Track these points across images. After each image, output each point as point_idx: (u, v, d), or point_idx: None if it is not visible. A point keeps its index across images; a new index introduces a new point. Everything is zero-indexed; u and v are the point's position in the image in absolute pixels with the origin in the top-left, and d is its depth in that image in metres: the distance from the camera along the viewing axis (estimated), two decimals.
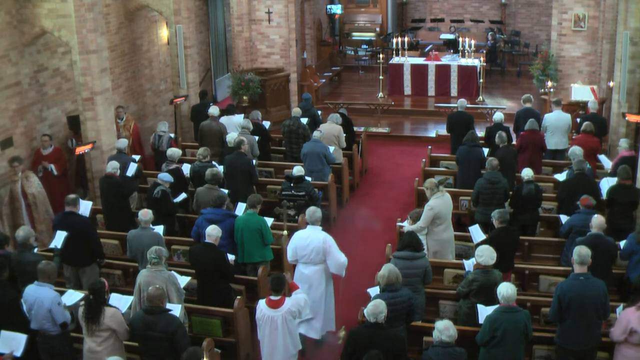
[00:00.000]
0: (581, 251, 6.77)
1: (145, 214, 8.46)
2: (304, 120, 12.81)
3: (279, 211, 8.94)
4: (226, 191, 9.87)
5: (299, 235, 8.07)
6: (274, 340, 6.94)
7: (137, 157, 11.64)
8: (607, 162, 11.19)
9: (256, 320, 7.03)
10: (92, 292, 6.73)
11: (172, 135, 12.81)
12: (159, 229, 8.84)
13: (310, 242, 7.91)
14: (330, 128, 12.16)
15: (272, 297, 6.90)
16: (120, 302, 7.30)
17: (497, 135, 10.99)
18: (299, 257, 8.01)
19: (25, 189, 10.23)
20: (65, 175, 11.25)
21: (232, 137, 11.47)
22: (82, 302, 6.86)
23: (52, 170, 10.87)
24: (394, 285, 6.78)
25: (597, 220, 7.92)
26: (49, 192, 10.59)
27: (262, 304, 6.96)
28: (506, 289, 6.47)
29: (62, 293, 7.41)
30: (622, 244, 8.32)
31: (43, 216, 10.21)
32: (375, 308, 6.20)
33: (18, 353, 6.69)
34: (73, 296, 7.53)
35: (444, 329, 6.00)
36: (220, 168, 10.57)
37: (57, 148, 11.21)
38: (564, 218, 9.13)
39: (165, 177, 9.80)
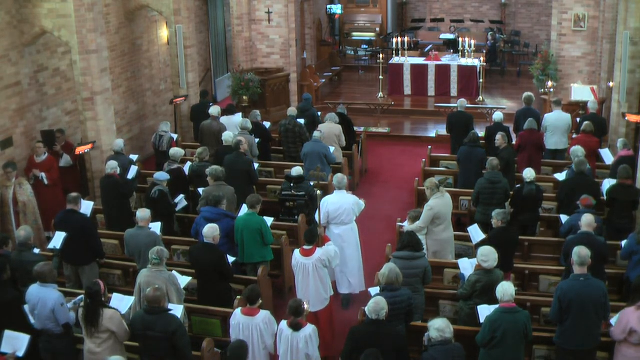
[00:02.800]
0: (581, 252, 6.76)
1: (143, 213, 8.46)
2: (302, 121, 12.81)
3: (314, 174, 9.27)
4: (232, 188, 9.83)
5: (329, 200, 9.04)
6: (306, 284, 7.87)
7: (134, 157, 11.64)
8: (608, 157, 11.15)
9: (292, 267, 8.01)
10: (88, 296, 6.72)
11: (175, 136, 12.80)
12: (156, 227, 8.83)
13: (341, 205, 9.00)
14: (330, 128, 12.16)
15: (305, 247, 7.84)
16: (121, 302, 7.29)
17: (499, 136, 10.98)
18: (331, 219, 9.01)
19: (17, 196, 10.08)
20: (57, 185, 10.90)
21: (227, 136, 11.45)
22: (82, 304, 6.85)
23: (42, 179, 10.58)
24: (394, 284, 6.79)
25: (587, 219, 7.91)
26: (40, 201, 10.42)
27: (296, 252, 7.92)
28: (505, 289, 6.48)
29: (65, 293, 7.40)
30: (622, 243, 8.32)
31: (31, 225, 9.84)
32: (376, 305, 6.21)
33: (20, 353, 6.69)
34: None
35: (445, 327, 6.01)
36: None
37: (51, 157, 10.89)
38: (564, 218, 9.13)
39: (161, 176, 9.79)
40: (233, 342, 6.42)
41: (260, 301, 6.95)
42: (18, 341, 6.72)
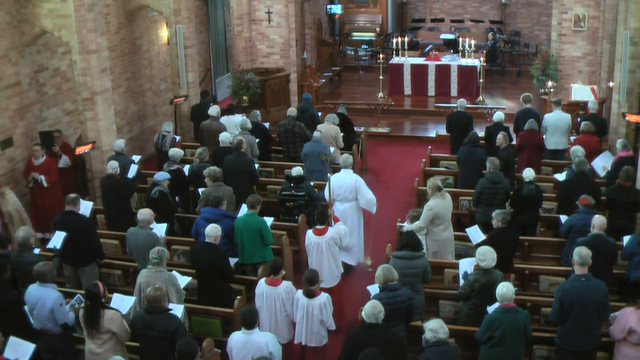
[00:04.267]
0: (582, 252, 6.76)
1: (145, 213, 8.46)
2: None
3: (324, 158, 10.28)
4: (230, 188, 9.83)
5: (334, 178, 9.56)
6: (320, 262, 8.37)
7: (137, 158, 11.64)
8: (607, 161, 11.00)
9: (305, 246, 8.55)
10: (88, 297, 6.72)
11: (177, 137, 12.80)
12: (161, 228, 8.82)
13: (343, 183, 9.55)
14: (328, 129, 12.15)
15: (318, 227, 8.38)
16: (122, 302, 7.28)
17: (501, 135, 10.98)
18: (335, 195, 9.53)
19: (0, 207, 9.91)
20: (56, 187, 10.79)
21: (225, 136, 11.44)
22: (82, 305, 6.85)
23: (42, 181, 10.50)
24: (393, 284, 6.78)
25: (599, 221, 7.91)
26: (39, 204, 10.33)
27: (309, 232, 8.47)
28: (504, 288, 6.47)
29: (62, 293, 7.39)
30: (624, 239, 8.33)
31: None
32: (373, 309, 6.18)
33: None
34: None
35: (439, 327, 6.00)
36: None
37: (49, 159, 10.83)
38: (563, 218, 9.13)
39: (161, 176, 9.79)
40: (244, 307, 6.83)
41: (284, 272, 7.48)
42: (22, 348, 6.62)
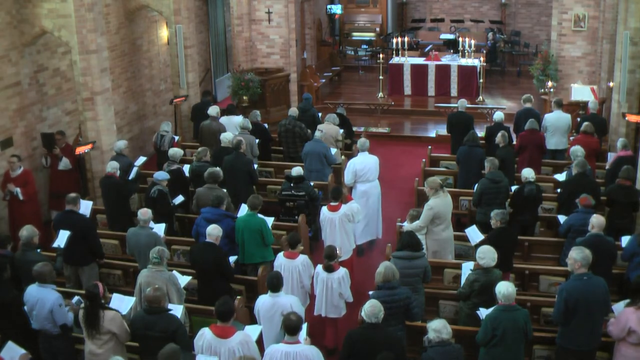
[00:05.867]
0: (584, 254, 6.73)
1: (144, 213, 8.47)
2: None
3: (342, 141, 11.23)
4: (225, 191, 9.85)
5: (356, 161, 10.34)
6: (333, 237, 8.99)
7: (142, 160, 11.64)
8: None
9: (320, 222, 9.21)
10: (87, 298, 6.71)
11: (177, 137, 12.80)
12: (160, 228, 8.83)
13: (366, 164, 10.30)
14: (329, 129, 12.15)
15: (332, 203, 9.02)
16: (122, 303, 7.28)
17: (500, 134, 10.98)
18: (358, 177, 10.28)
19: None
20: (33, 200, 10.38)
21: (225, 137, 11.44)
22: (82, 306, 6.85)
23: (17, 194, 10.15)
24: (391, 282, 6.78)
25: (597, 220, 7.90)
26: (16, 216, 10.05)
27: (324, 209, 9.09)
28: (505, 288, 6.47)
29: (62, 293, 7.39)
30: (623, 240, 8.33)
31: None
32: (373, 308, 6.17)
33: None
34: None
35: (442, 327, 6.00)
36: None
37: (26, 170, 10.50)
38: (561, 218, 9.13)
39: (160, 175, 9.79)
40: (270, 272, 7.36)
41: (301, 247, 8.07)
42: (16, 355, 6.49)
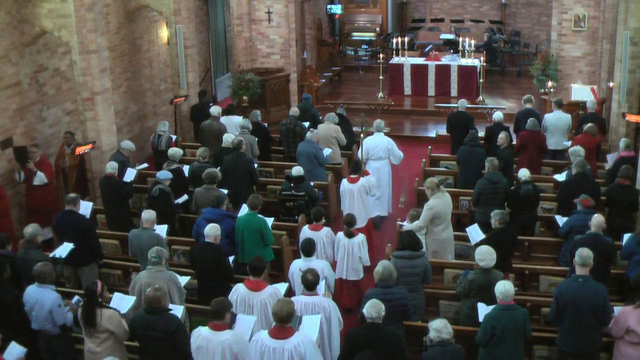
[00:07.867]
0: (583, 253, 6.74)
1: (147, 214, 8.45)
2: (306, 123, 12.80)
3: (360, 120, 11.74)
4: (225, 191, 9.85)
5: (369, 140, 11.39)
6: (352, 206, 9.86)
7: (143, 166, 11.64)
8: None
9: (340, 192, 10.17)
10: (85, 295, 6.72)
11: (174, 137, 12.79)
12: (162, 229, 8.82)
13: (378, 144, 11.32)
14: (328, 128, 12.15)
15: (351, 176, 9.97)
16: (121, 302, 7.27)
17: (503, 135, 10.97)
18: (370, 155, 11.31)
19: None
20: (5, 216, 9.78)
21: (228, 137, 11.44)
22: (81, 304, 6.85)
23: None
24: (388, 281, 6.78)
25: (596, 220, 7.90)
26: None
27: (344, 181, 10.08)
28: (503, 285, 6.47)
29: (62, 293, 7.39)
30: (624, 236, 8.32)
31: None
32: (374, 307, 6.16)
33: None
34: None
35: (443, 327, 6.00)
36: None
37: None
38: (560, 219, 9.11)
39: (163, 174, 9.79)
40: (304, 239, 7.90)
41: (324, 220, 8.72)
42: (17, 354, 6.48)
